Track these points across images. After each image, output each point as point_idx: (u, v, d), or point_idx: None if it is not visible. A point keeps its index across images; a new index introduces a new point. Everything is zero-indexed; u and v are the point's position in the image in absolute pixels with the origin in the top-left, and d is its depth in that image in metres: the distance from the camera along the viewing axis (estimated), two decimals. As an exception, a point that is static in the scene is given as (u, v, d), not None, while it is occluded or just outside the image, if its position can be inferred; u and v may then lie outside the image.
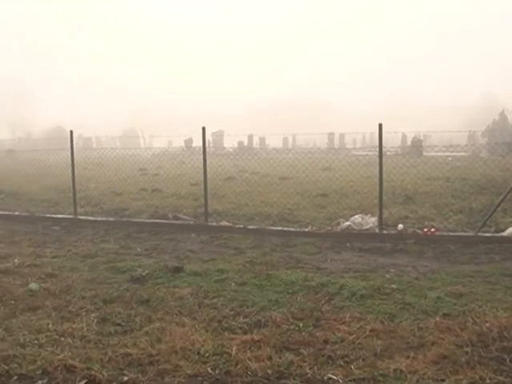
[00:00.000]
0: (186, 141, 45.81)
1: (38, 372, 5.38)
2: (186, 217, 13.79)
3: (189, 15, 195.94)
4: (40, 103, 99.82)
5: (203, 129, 13.36)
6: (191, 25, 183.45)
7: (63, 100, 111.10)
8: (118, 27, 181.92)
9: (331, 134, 54.81)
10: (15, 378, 5.31)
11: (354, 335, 6.12)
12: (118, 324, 6.66)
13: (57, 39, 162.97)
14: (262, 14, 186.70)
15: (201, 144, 13.71)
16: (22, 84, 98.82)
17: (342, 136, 57.48)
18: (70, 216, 14.61)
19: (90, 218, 14.25)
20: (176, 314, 6.95)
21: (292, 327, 6.43)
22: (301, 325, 6.49)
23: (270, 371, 5.29)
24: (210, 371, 5.33)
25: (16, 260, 10.08)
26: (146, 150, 27.03)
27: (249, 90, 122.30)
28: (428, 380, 5.06)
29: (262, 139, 54.87)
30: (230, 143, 45.28)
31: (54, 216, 14.84)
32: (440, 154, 24.40)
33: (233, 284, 8.23)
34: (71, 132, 15.12)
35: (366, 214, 12.51)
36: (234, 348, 5.80)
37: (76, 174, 15.41)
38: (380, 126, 11.90)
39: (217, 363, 5.49)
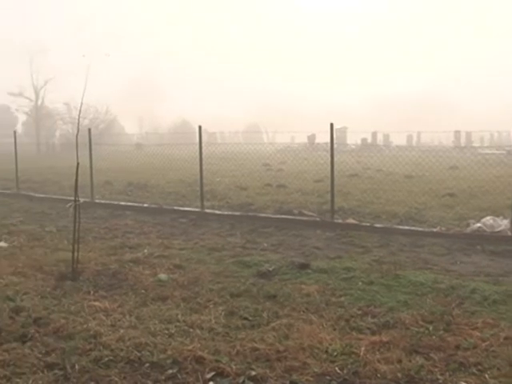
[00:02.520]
0: (309, 137, 45.87)
1: (169, 361, 5.47)
2: (311, 213, 13.72)
3: (309, 9, 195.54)
4: (167, 99, 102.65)
5: (331, 125, 13.26)
6: (313, 18, 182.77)
7: (189, 96, 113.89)
8: (243, 24, 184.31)
9: (457, 132, 53.37)
10: (147, 365, 5.42)
11: (488, 342, 5.84)
12: (246, 318, 6.67)
13: (185, 38, 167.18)
14: (392, 5, 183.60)
15: (323, 140, 13.62)
16: (151, 80, 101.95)
17: (468, 134, 55.87)
18: (196, 209, 14.88)
19: (217, 212, 14.44)
20: (303, 311, 6.90)
21: (422, 330, 6.23)
22: (431, 328, 6.27)
23: (399, 375, 5.13)
24: (338, 371, 5.24)
25: (145, 250, 10.37)
26: (268, 146, 27.12)
27: (373, 86, 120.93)
28: None
29: (386, 136, 54.00)
30: (352, 140, 44.91)
31: (181, 209, 15.16)
32: None
33: (360, 283, 8.09)
34: (200, 127, 15.35)
35: (498, 216, 11.99)
36: (363, 348, 5.68)
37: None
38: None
39: (345, 363, 5.39)
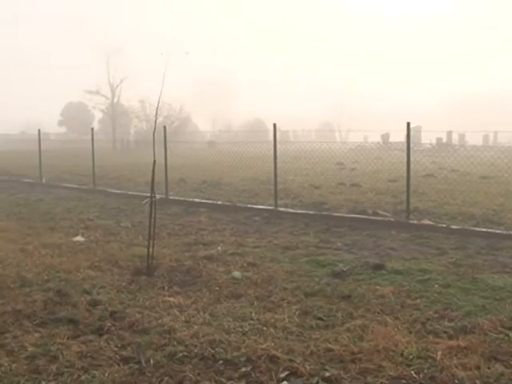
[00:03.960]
0: (382, 136, 45.38)
1: (242, 359, 5.46)
2: (385, 213, 13.54)
3: (384, 8, 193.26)
4: (241, 98, 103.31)
5: (408, 124, 13.06)
6: (388, 18, 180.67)
7: (263, 95, 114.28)
8: (319, 24, 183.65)
9: (537, 131, 51.75)
10: (221, 362, 5.43)
11: None
12: (320, 318, 6.61)
13: (259, 38, 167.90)
14: (469, 4, 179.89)
15: (397, 140, 13.42)
16: (225, 79, 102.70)
17: (549, 134, 54.08)
18: (270, 207, 14.86)
19: (290, 210, 14.40)
20: (378, 313, 6.79)
21: (501, 336, 6.03)
22: (510, 334, 6.07)
23: (478, 382, 4.98)
24: (414, 375, 5.12)
25: (219, 248, 10.42)
26: (341, 144, 26.94)
27: (448, 85, 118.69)
28: None
29: (462, 136, 52.83)
30: (427, 139, 44.16)
31: (254, 206, 15.17)
32: None
33: (436, 285, 7.91)
34: (274, 125, 15.33)
35: None
36: (439, 353, 5.53)
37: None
38: None
39: (421, 367, 5.26)
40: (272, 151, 15.92)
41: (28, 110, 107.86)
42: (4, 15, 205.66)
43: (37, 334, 6.20)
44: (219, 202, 16.07)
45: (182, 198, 16.94)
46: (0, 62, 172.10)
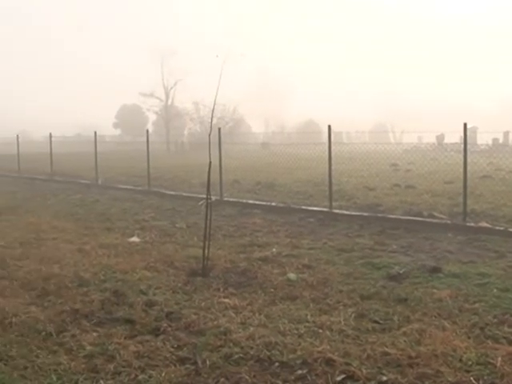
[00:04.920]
0: (437, 137, 44.69)
1: (298, 362, 5.44)
2: (441, 215, 13.33)
3: (437, 8, 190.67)
4: (294, 98, 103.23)
5: (464, 125, 12.86)
6: (441, 18, 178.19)
7: (316, 96, 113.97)
8: (370, 24, 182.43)
9: None
10: (277, 364, 5.42)
11: None
12: (376, 321, 6.55)
13: (312, 39, 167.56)
14: None
15: (452, 140, 13.18)
16: (278, 80, 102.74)
17: None
18: (324, 209, 14.78)
19: (345, 212, 14.30)
20: (435, 317, 6.68)
21: None
22: None
23: (540, 389, 4.86)
24: (474, 381, 5.02)
25: (274, 249, 10.41)
26: (395, 146, 26.63)
27: (504, 85, 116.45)
28: None
29: (519, 136, 51.71)
30: (483, 140, 43.35)
31: (308, 208, 15.11)
32: None
33: (495, 289, 7.74)
34: (329, 126, 15.27)
35: None
36: (499, 359, 5.40)
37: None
38: None
39: (480, 373, 5.15)
40: (325, 153, 15.85)
41: (84, 112, 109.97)
42: (59, 19, 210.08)
43: (94, 334, 6.30)
44: (273, 204, 16.05)
45: (236, 200, 16.97)
46: (57, 65, 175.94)
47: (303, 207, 15.28)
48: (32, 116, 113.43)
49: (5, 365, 5.56)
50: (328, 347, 5.72)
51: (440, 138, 45.17)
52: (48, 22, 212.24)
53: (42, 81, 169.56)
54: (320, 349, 5.66)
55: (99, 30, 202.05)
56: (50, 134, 27.93)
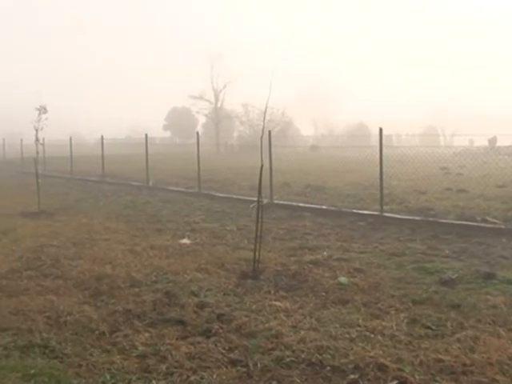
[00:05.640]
0: (489, 140, 43.94)
1: (350, 366, 5.40)
2: (495, 220, 13.09)
3: (488, 9, 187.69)
4: (343, 101, 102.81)
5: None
6: (492, 19, 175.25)
7: (366, 99, 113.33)
8: (422, 27, 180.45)
9: None
10: (328, 368, 5.39)
11: None
12: (429, 327, 6.47)
13: (361, 41, 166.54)
14: None
15: (505, 143, 12.90)
16: (327, 83, 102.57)
17: None
18: (375, 212, 14.65)
19: (396, 216, 14.15)
20: (489, 323, 6.56)
21: None
22: None
23: None
24: (533, 390, 4.93)
25: (325, 252, 10.37)
26: (446, 149, 26.30)
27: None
28: None
29: None
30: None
31: (359, 212, 15.00)
32: None
33: (551, 297, 7.58)
34: (380, 130, 15.14)
35: None
36: (558, 368, 5.29)
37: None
38: None
39: (537, 382, 5.05)
40: (375, 155, 15.72)
41: (134, 114, 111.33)
42: (110, 21, 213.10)
43: (147, 334, 6.36)
44: (324, 207, 15.98)
45: (286, 203, 16.94)
46: (108, 68, 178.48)
47: (354, 211, 15.15)
48: (84, 118, 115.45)
49: (60, 362, 5.67)
50: (380, 352, 5.68)
51: (492, 141, 44.38)
52: (100, 23, 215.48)
53: (93, 84, 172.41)
54: (372, 354, 5.62)
55: (150, 33, 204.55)
56: (102, 136, 28.34)
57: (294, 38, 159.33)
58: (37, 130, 16.99)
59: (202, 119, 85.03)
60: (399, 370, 5.29)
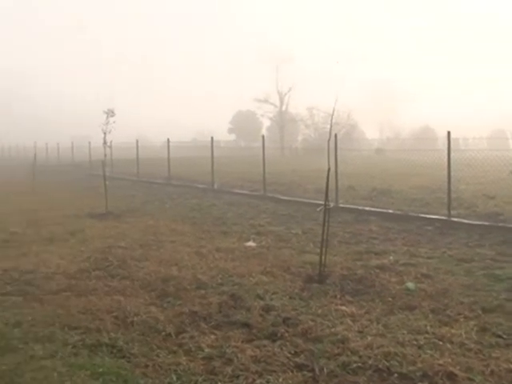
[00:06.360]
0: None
1: (418, 374, 5.31)
2: None
3: None
4: (409, 105, 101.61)
5: None
6: None
7: (432, 102, 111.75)
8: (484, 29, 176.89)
9: None
10: (396, 375, 5.31)
11: None
12: (499, 336, 6.31)
13: (426, 45, 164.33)
14: None
15: None
16: (393, 86, 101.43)
17: None
18: (442, 217, 14.36)
19: (464, 221, 13.85)
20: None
21: None
22: None
23: None
24: None
25: (391, 257, 10.25)
26: (514, 152, 25.61)
27: None
28: None
29: None
30: None
31: (426, 216, 14.74)
32: None
33: None
34: (449, 133, 14.85)
35: None
36: None
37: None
38: None
39: None
40: (441, 159, 15.45)
41: (199, 117, 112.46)
42: (177, 24, 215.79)
43: (212, 336, 6.40)
44: (390, 211, 15.76)
45: (351, 206, 16.77)
46: (174, 70, 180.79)
47: (420, 215, 14.90)
48: (150, 121, 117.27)
49: (127, 362, 5.76)
50: (449, 360, 5.56)
51: None
52: (166, 27, 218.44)
53: (160, 87, 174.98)
54: (441, 362, 5.51)
55: (215, 36, 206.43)
56: (168, 139, 28.68)
57: (359, 41, 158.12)
58: (105, 133, 17.34)
59: (266, 122, 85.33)
60: (469, 379, 5.19)
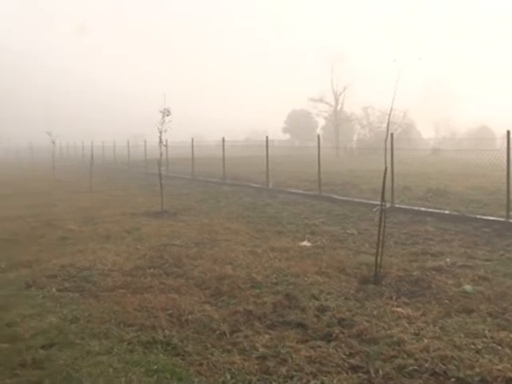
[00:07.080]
0: None
1: (476, 379, 5.23)
2: None
3: None
4: (467, 104, 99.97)
5: None
6: None
7: (490, 101, 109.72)
8: None
9: None
10: (453, 379, 5.24)
11: None
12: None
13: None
14: None
15: None
16: (446, 84, 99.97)
17: None
18: (501, 219, 14.04)
19: (524, 223, 13.57)
20: None
21: None
22: None
23: None
24: None
25: (448, 259, 10.08)
26: None
27: None
28: None
29: None
30: None
31: (483, 217, 14.45)
32: None
33: None
34: (508, 132, 14.55)
35: None
36: None
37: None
38: None
39: None
40: (499, 159, 15.15)
41: (254, 116, 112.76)
42: (234, 24, 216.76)
43: (267, 336, 6.41)
44: (446, 212, 15.51)
45: (407, 207, 16.56)
46: (227, 70, 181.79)
47: (478, 216, 14.62)
48: (205, 120, 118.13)
49: (182, 360, 5.81)
50: (508, 366, 5.45)
51: None
52: (225, 27, 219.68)
53: (214, 85, 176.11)
54: (500, 367, 5.41)
55: (273, 35, 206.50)
56: (223, 138, 28.75)
57: (413, 41, 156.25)
58: (160, 132, 17.48)
59: (321, 122, 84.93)
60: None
